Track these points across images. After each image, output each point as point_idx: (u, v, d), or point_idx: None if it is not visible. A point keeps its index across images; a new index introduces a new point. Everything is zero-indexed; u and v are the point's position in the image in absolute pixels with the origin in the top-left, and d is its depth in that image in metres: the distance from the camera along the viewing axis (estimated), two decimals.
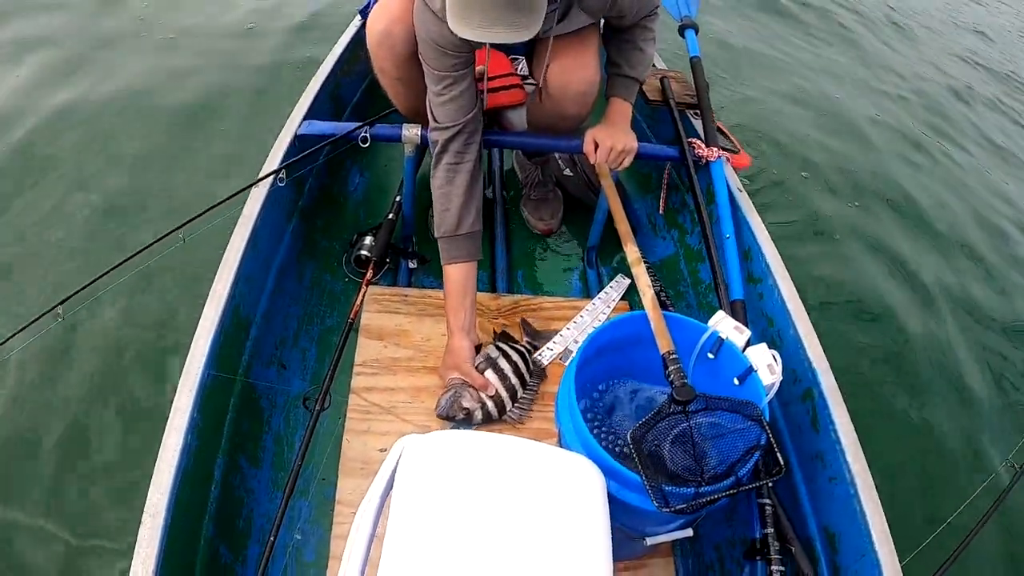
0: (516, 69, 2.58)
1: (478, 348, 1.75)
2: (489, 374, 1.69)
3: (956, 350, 2.49)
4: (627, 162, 1.81)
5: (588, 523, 1.07)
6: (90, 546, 1.61)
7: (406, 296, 1.92)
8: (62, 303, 1.28)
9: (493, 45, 1.71)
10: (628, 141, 1.79)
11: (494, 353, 1.74)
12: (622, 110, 1.82)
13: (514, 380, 1.70)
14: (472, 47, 1.58)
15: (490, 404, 1.66)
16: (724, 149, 2.71)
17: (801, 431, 1.56)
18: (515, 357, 1.74)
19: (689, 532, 1.40)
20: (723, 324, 1.45)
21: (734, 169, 2.24)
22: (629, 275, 2.08)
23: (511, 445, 1.15)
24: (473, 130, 1.68)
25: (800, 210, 2.96)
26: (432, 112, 1.66)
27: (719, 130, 2.79)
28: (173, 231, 1.45)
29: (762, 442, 1.25)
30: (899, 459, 2.04)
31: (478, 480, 1.10)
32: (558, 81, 1.69)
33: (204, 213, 1.51)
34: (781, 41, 4.39)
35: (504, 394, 1.68)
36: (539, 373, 1.80)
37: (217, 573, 1.40)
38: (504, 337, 1.84)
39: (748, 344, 1.43)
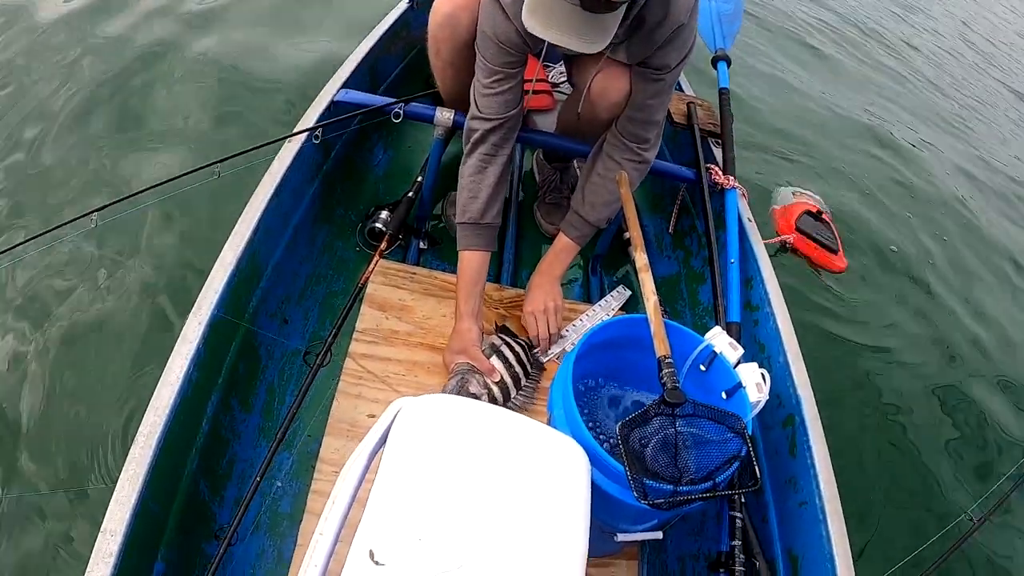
0: (547, 76, 2.64)
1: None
2: (494, 360, 1.72)
3: (944, 394, 2.61)
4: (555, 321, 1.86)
5: (570, 501, 1.11)
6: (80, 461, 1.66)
7: (414, 274, 1.96)
8: (99, 210, 1.31)
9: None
10: (551, 304, 1.84)
11: (497, 341, 1.77)
12: (560, 256, 1.88)
13: (517, 368, 1.73)
14: (531, 49, 1.62)
15: (495, 390, 1.68)
16: (822, 244, 2.88)
17: (778, 455, 1.61)
18: (517, 348, 1.78)
19: (659, 535, 1.44)
20: (718, 339, 1.49)
21: (828, 271, 2.28)
22: (631, 287, 2.13)
23: (504, 417, 1.19)
24: (513, 126, 1.72)
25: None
26: (476, 101, 1.69)
27: (825, 221, 2.96)
28: (208, 165, 1.49)
29: (742, 454, 1.29)
30: (871, 492, 2.10)
31: (469, 446, 1.13)
32: (599, 87, 1.73)
33: (239, 154, 1.55)
34: None
35: (508, 380, 1.71)
36: (539, 365, 1.83)
37: (195, 507, 1.43)
38: (505, 331, 1.86)
39: (740, 362, 1.47)
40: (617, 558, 1.61)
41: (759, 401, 1.40)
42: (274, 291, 1.78)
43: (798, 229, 2.96)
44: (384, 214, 2.05)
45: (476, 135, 1.71)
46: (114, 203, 1.35)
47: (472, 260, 1.75)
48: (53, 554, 1.52)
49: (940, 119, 4.88)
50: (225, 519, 1.48)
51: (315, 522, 1.09)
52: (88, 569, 1.10)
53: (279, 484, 1.55)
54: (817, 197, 3.29)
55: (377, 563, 0.97)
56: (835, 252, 2.95)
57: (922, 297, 3.09)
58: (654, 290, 1.54)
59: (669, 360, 1.40)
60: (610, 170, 1.77)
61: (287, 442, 1.57)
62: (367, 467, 1.16)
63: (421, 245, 2.12)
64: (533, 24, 1.36)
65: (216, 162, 1.48)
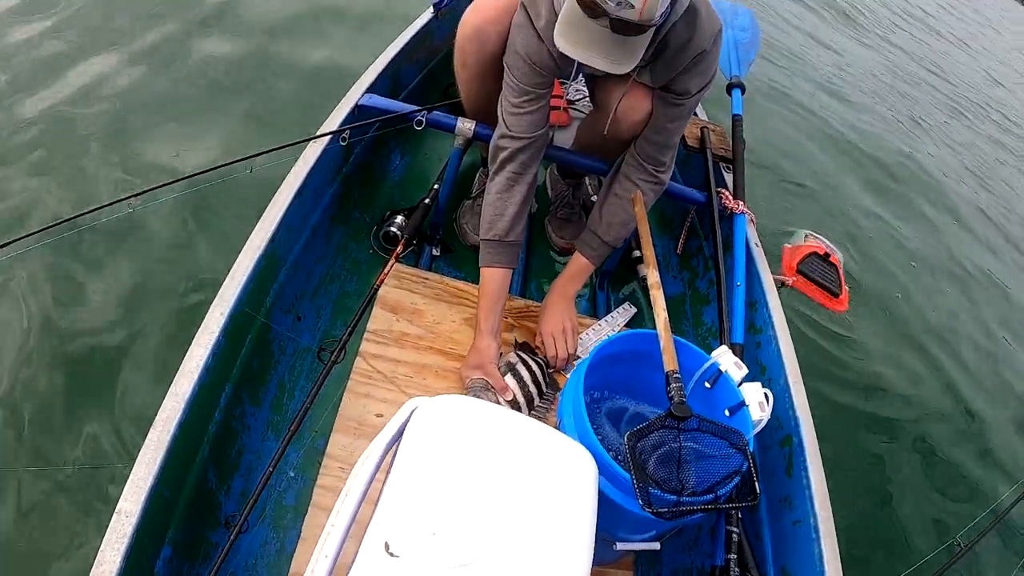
0: (565, 94, 2.69)
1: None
2: (508, 379, 1.73)
3: (937, 426, 2.67)
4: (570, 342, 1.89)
5: (578, 504, 1.14)
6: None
7: (426, 279, 1.99)
8: (137, 195, 1.35)
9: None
10: (568, 324, 1.88)
11: (514, 359, 1.79)
12: (576, 276, 1.92)
13: (532, 388, 1.75)
14: (561, 71, 1.65)
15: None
16: (823, 287, 2.96)
17: (775, 474, 1.64)
18: (534, 367, 1.79)
19: (657, 545, 1.47)
20: (724, 358, 1.53)
21: (828, 310, 2.37)
22: (637, 305, 2.17)
23: (517, 420, 1.22)
24: (541, 145, 1.74)
25: None
26: (504, 120, 1.70)
27: (832, 264, 3.04)
28: (242, 160, 1.53)
29: (743, 469, 1.33)
30: (864, 513, 2.15)
31: (483, 447, 1.16)
32: (625, 107, 1.76)
33: (270, 151, 1.59)
34: None
35: (522, 400, 1.72)
36: (555, 385, 1.84)
37: (202, 495, 1.46)
38: (525, 348, 1.88)
39: (744, 381, 1.51)
40: (613, 567, 1.63)
41: (761, 420, 1.43)
42: (289, 288, 1.81)
43: (799, 271, 3.01)
44: (399, 219, 2.08)
45: (504, 154, 1.72)
46: (151, 189, 1.39)
47: (495, 277, 1.77)
48: (57, 531, 1.56)
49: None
50: (231, 508, 1.50)
51: (320, 516, 1.11)
52: (102, 548, 1.12)
53: (292, 474, 1.58)
54: (830, 244, 3.35)
55: (392, 555, 1.00)
56: (836, 295, 3.00)
57: (922, 337, 3.15)
58: (664, 307, 1.57)
59: (677, 375, 1.44)
60: (627, 191, 1.81)
61: (295, 437, 1.60)
62: (380, 463, 1.19)
63: (434, 252, 2.15)
64: (563, 44, 1.40)
65: (250, 156, 1.52)
